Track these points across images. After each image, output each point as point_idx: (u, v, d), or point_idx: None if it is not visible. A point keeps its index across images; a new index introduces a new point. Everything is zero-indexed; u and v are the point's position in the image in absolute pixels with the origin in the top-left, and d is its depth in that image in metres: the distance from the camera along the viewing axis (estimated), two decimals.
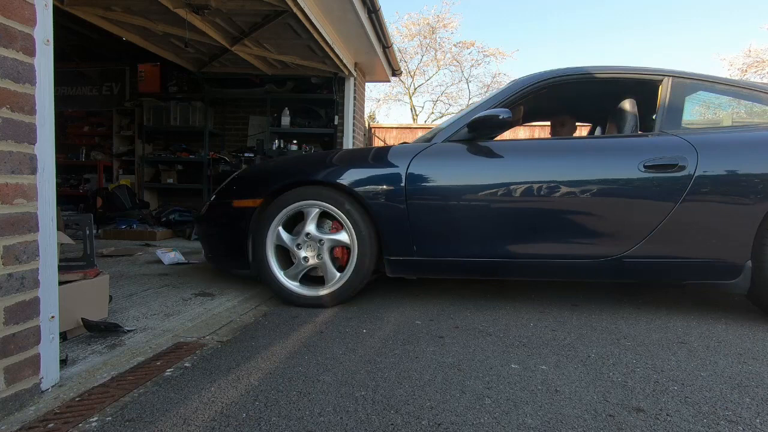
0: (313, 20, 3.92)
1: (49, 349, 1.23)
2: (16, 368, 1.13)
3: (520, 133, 8.05)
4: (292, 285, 2.16)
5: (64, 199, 5.76)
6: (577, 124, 3.07)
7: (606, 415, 1.18)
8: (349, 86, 5.71)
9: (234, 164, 5.74)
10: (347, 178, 2.12)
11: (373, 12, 4.30)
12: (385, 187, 2.10)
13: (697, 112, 2.43)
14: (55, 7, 1.59)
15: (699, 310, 2.23)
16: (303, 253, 2.14)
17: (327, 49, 4.55)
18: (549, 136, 3.20)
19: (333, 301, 2.15)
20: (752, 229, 1.94)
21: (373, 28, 4.67)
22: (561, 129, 2.94)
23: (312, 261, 2.14)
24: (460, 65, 17.99)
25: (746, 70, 15.10)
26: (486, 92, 18.15)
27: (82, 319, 1.67)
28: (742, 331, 1.93)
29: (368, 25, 4.50)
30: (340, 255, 2.19)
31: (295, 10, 3.64)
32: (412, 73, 18.15)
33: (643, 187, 1.99)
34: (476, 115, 2.10)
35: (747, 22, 29.34)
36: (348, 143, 5.74)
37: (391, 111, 35.73)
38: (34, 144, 1.15)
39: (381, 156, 2.21)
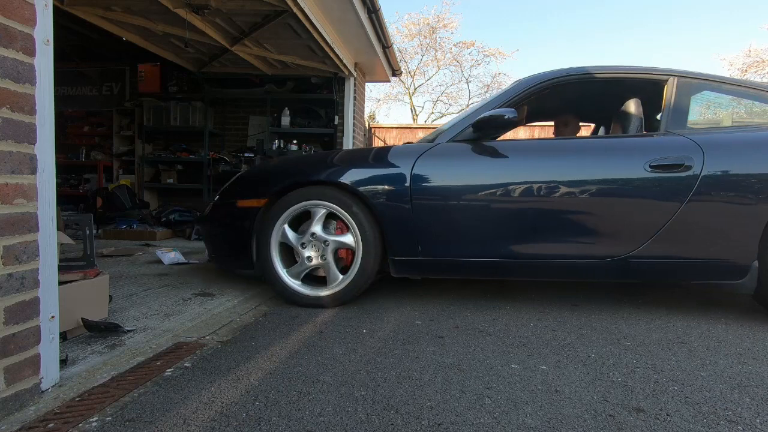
0: (313, 20, 3.92)
1: (49, 349, 1.23)
2: (16, 368, 1.13)
3: (520, 133, 8.05)
4: (294, 284, 2.16)
5: (64, 199, 5.76)
6: (580, 124, 3.07)
7: (606, 415, 1.18)
8: (349, 86, 5.71)
9: (234, 164, 5.74)
10: (352, 177, 2.12)
11: (373, 12, 4.30)
12: (389, 186, 2.09)
13: (702, 112, 2.43)
14: (55, 7, 1.59)
15: (699, 310, 2.23)
16: (307, 253, 2.13)
17: (327, 49, 4.55)
18: (549, 136, 3.20)
19: (334, 303, 2.15)
20: (758, 229, 1.94)
21: (373, 28, 4.67)
22: (564, 129, 2.94)
23: (315, 261, 2.13)
24: (460, 65, 18.01)
25: (746, 70, 15.10)
26: (486, 92, 18.15)
27: (82, 319, 1.67)
28: (742, 331, 1.93)
29: (368, 25, 4.50)
30: (344, 255, 2.19)
31: (295, 10, 3.64)
32: (412, 73, 18.17)
33: (650, 187, 1.99)
34: (481, 115, 2.10)
35: (747, 22, 29.36)
36: (348, 143, 5.74)
37: (391, 111, 35.77)
38: (34, 144, 1.15)
39: (386, 156, 2.21)
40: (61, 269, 1.52)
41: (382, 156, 2.22)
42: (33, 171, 1.16)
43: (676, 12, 29.66)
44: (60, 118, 5.99)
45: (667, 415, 1.19)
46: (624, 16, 30.70)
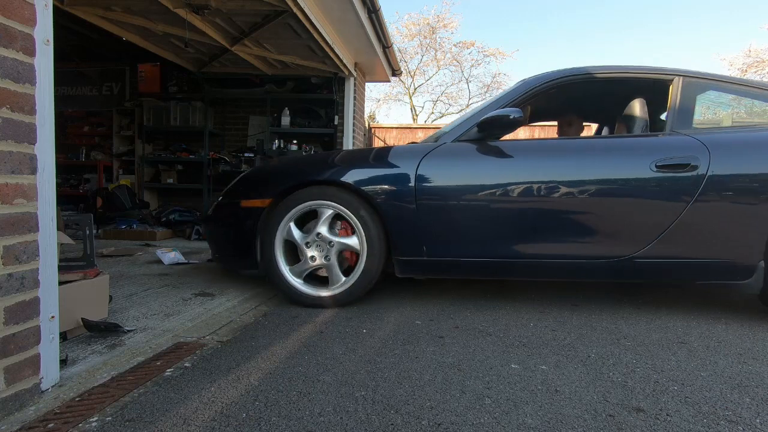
0: (313, 20, 3.92)
1: (49, 349, 1.23)
2: (16, 368, 1.13)
3: (520, 133, 8.05)
4: (296, 282, 2.16)
5: (64, 199, 5.76)
6: (583, 124, 3.07)
7: (606, 415, 1.18)
8: (349, 86, 5.71)
9: (234, 164, 5.74)
10: (356, 177, 2.11)
11: (373, 12, 4.30)
12: (394, 186, 2.09)
13: (708, 111, 2.43)
14: (55, 7, 1.59)
15: (699, 310, 2.23)
16: (311, 252, 2.13)
17: (327, 49, 4.55)
18: (549, 136, 3.20)
19: (334, 304, 2.15)
20: (765, 229, 1.94)
21: (373, 28, 4.67)
22: (568, 129, 2.93)
23: (319, 261, 2.13)
24: (460, 65, 18.00)
25: (746, 70, 15.09)
26: (486, 92, 18.16)
27: (82, 319, 1.67)
28: (742, 331, 1.93)
29: (368, 25, 4.50)
30: (348, 255, 2.19)
31: (295, 10, 3.64)
32: (412, 73, 18.16)
33: (655, 187, 1.99)
34: (487, 115, 2.10)
35: (747, 22, 29.36)
36: (348, 143, 5.74)
37: (391, 111, 35.78)
38: (34, 144, 1.15)
39: (390, 156, 2.20)
40: (61, 269, 1.52)
41: (386, 156, 2.21)
42: (33, 171, 1.16)
43: (676, 12, 29.68)
44: (60, 118, 5.99)
45: (667, 415, 1.19)
46: (624, 16, 30.72)
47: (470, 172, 2.10)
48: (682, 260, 2.01)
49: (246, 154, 5.75)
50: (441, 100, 19.02)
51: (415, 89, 18.65)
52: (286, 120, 5.70)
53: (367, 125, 8.45)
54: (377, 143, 9.06)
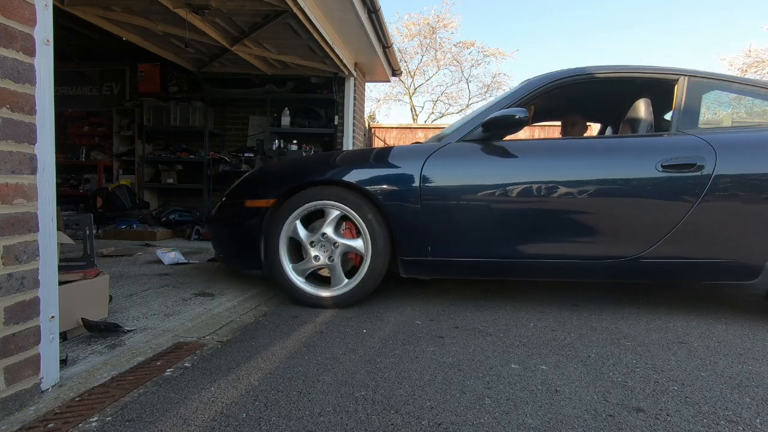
0: (313, 20, 3.92)
1: (49, 349, 1.23)
2: (16, 368, 1.13)
3: (520, 133, 8.04)
4: (298, 280, 2.15)
5: (64, 199, 5.76)
6: (587, 123, 3.06)
7: (606, 415, 1.18)
8: (349, 86, 5.71)
9: (234, 164, 5.74)
10: (360, 177, 2.11)
11: (373, 12, 4.30)
12: (399, 186, 2.09)
13: (713, 111, 2.43)
14: (55, 7, 1.59)
15: (699, 310, 2.23)
16: (315, 252, 2.13)
17: (327, 49, 4.55)
18: (549, 136, 3.19)
19: (334, 305, 2.14)
20: None
21: (373, 28, 4.67)
22: (572, 129, 2.93)
23: (322, 261, 2.12)
24: (460, 65, 17.99)
25: (746, 70, 15.09)
26: (486, 92, 18.15)
27: (82, 319, 1.67)
28: (742, 331, 1.93)
29: (368, 25, 4.50)
30: (353, 256, 2.19)
31: (295, 10, 3.64)
32: (412, 73, 18.16)
33: (661, 187, 1.99)
34: (492, 115, 2.09)
35: (747, 22, 29.37)
36: (348, 143, 5.74)
37: (391, 111, 35.77)
38: (34, 144, 1.15)
39: (395, 156, 2.20)
40: (61, 269, 1.52)
41: (391, 156, 2.21)
42: (33, 171, 1.16)
43: (676, 12, 29.69)
44: (60, 118, 6.00)
45: (667, 415, 1.19)
46: (624, 16, 30.74)
47: (476, 171, 2.10)
48: (688, 260, 2.01)
49: (246, 154, 5.76)
50: (441, 100, 19.03)
51: (415, 89, 18.66)
52: (286, 120, 5.70)
53: (367, 125, 8.45)
54: (377, 143, 9.06)
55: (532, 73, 2.36)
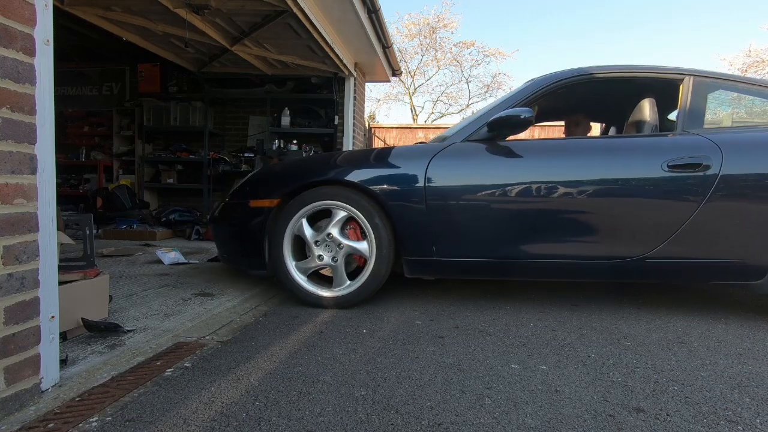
0: (313, 20, 3.92)
1: (49, 349, 1.23)
2: (16, 368, 1.13)
3: (520, 134, 8.03)
4: (300, 278, 2.15)
5: (64, 199, 5.76)
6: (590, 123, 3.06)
7: (606, 415, 1.18)
8: (349, 86, 5.71)
9: (234, 164, 5.74)
10: (364, 176, 2.10)
11: (373, 12, 4.30)
12: (404, 186, 2.08)
13: (718, 111, 2.43)
14: (55, 7, 1.59)
15: (699, 310, 2.23)
16: (319, 252, 2.12)
17: (327, 49, 4.55)
18: (549, 136, 3.19)
19: (335, 306, 2.14)
20: None
21: (373, 28, 4.67)
22: (576, 129, 2.93)
23: (326, 261, 2.12)
24: (460, 65, 18.00)
25: (746, 70, 15.09)
26: (486, 92, 18.16)
27: (82, 319, 1.67)
28: (742, 331, 1.93)
29: (368, 26, 4.50)
30: (357, 257, 2.18)
31: (295, 10, 3.64)
32: (412, 73, 18.16)
33: (667, 187, 1.98)
34: (497, 115, 2.09)
35: (747, 22, 29.39)
36: (348, 143, 5.74)
37: (391, 111, 35.78)
38: (34, 144, 1.15)
39: (399, 155, 2.19)
40: (61, 269, 1.52)
41: (396, 156, 2.20)
42: (33, 171, 1.16)
43: (676, 12, 29.70)
44: (60, 118, 6.00)
45: (667, 415, 1.19)
46: (624, 16, 30.75)
47: (482, 171, 2.09)
48: (694, 260, 2.00)
49: (246, 154, 5.76)
50: (441, 100, 19.04)
51: (415, 89, 18.67)
52: (286, 120, 5.70)
53: (367, 125, 8.45)
54: (377, 143, 9.07)
55: (532, 73, 2.35)
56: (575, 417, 1.17)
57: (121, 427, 1.09)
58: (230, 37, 4.62)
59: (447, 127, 8.93)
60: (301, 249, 2.22)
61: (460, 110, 18.76)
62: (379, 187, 2.08)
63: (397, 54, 6.18)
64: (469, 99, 18.46)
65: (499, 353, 1.61)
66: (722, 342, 1.78)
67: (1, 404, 1.10)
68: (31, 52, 1.14)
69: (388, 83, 12.95)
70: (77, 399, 1.21)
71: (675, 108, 2.20)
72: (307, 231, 2.14)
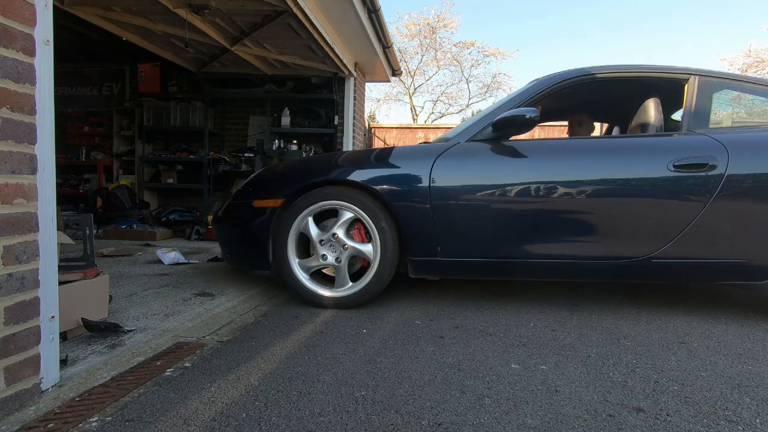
0: (313, 20, 3.92)
1: (49, 349, 1.23)
2: (16, 368, 1.13)
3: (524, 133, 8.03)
4: (302, 276, 2.15)
5: (64, 199, 5.76)
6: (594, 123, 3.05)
7: (606, 415, 1.18)
8: (349, 86, 5.71)
9: (234, 164, 5.74)
10: (368, 176, 2.10)
11: (373, 12, 4.30)
12: (408, 186, 2.08)
13: (724, 111, 2.42)
14: (55, 7, 1.59)
15: (699, 310, 2.23)
16: (323, 251, 2.12)
17: (327, 49, 4.55)
18: (549, 136, 3.19)
19: (335, 306, 2.14)
20: None
21: (373, 28, 4.67)
22: (579, 128, 2.92)
23: (329, 260, 2.12)
24: (460, 65, 17.99)
25: (746, 70, 15.09)
26: (486, 92, 18.16)
27: (82, 319, 1.67)
28: (742, 331, 1.93)
29: (368, 26, 4.50)
30: (361, 258, 2.18)
31: (295, 10, 3.64)
32: (412, 73, 18.16)
33: (673, 187, 1.98)
34: (502, 115, 2.09)
35: (747, 22, 29.39)
36: (348, 143, 5.74)
37: (391, 111, 35.81)
38: (34, 144, 1.15)
39: (404, 156, 2.19)
40: (61, 269, 1.52)
41: (399, 156, 2.20)
42: (33, 171, 1.16)
43: (676, 12, 29.70)
44: (60, 118, 5.99)
45: (667, 415, 1.19)
46: (624, 16, 30.76)
47: (485, 171, 2.09)
48: (699, 261, 2.00)
49: (246, 154, 5.76)
50: (441, 100, 19.03)
51: (415, 89, 18.66)
52: (286, 120, 5.70)
53: (367, 125, 8.45)
54: (377, 143, 9.07)
55: (532, 73, 2.35)
56: (575, 417, 1.17)
57: (121, 427, 1.09)
58: (230, 37, 4.62)
59: (447, 127, 8.96)
60: (305, 248, 2.22)
61: (460, 110, 18.78)
62: (384, 187, 2.08)
63: (397, 54, 6.18)
64: (469, 99, 18.48)
65: (499, 353, 1.61)
66: (722, 342, 1.78)
67: (1, 404, 1.10)
68: (31, 52, 1.14)
69: (388, 83, 12.95)
70: (77, 399, 1.21)
71: (679, 108, 2.19)
72: (313, 229, 2.13)
